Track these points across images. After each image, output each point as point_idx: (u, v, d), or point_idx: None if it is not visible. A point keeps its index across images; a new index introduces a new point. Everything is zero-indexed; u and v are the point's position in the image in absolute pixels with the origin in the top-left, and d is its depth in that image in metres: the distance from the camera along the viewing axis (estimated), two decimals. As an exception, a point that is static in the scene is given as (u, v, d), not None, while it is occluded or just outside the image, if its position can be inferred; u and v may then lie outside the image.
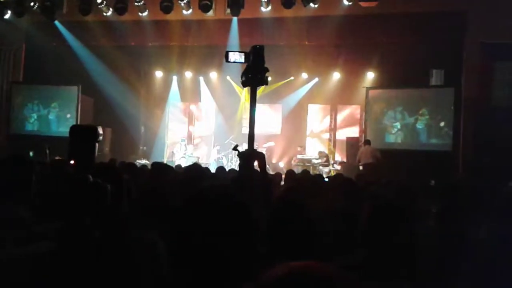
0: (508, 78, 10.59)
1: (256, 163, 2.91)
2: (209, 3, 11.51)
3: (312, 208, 2.71)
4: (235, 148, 2.99)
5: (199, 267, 1.40)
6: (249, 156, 2.76)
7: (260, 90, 13.61)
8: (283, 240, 1.86)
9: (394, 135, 12.62)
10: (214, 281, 1.37)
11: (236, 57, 2.76)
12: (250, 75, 2.71)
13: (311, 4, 11.07)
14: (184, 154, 14.68)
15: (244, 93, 15.38)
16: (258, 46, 2.73)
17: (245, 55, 2.76)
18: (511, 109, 10.33)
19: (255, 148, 3.11)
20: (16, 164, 2.47)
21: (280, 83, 15.15)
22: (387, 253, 1.82)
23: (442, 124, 11.97)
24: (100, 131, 2.65)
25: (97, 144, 2.63)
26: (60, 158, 7.05)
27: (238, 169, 2.98)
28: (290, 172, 6.16)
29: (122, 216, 2.55)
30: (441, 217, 2.85)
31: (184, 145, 15.01)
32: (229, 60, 2.77)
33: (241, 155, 2.77)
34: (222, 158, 14.57)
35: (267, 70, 2.74)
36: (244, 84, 2.78)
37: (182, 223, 1.49)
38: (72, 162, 2.58)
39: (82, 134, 2.58)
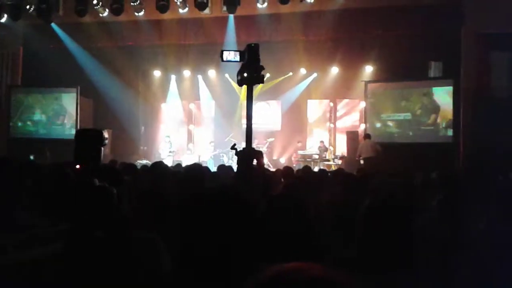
0: (507, 68, 10.56)
1: (255, 161, 2.89)
2: (205, 1, 11.50)
3: (313, 204, 2.72)
4: (233, 147, 2.97)
5: (200, 266, 1.40)
6: (247, 154, 2.75)
7: (259, 88, 13.60)
8: (280, 239, 1.87)
9: (394, 128, 12.61)
10: (215, 280, 1.38)
11: (231, 56, 2.72)
12: (245, 74, 2.69)
13: (307, -1, 11.07)
14: (170, 152, 14.41)
15: (242, 91, 15.33)
16: (253, 45, 2.70)
17: (240, 54, 2.73)
18: (511, 100, 10.32)
19: (255, 145, 3.10)
20: (1, 167, 2.44)
21: (278, 80, 15.12)
22: (385, 246, 1.82)
23: (442, 116, 11.96)
24: (106, 135, 2.65)
25: (102, 148, 2.64)
26: (51, 161, 7.00)
27: (236, 168, 2.97)
28: (287, 169, 6.12)
29: (123, 217, 2.56)
30: (442, 209, 2.85)
31: (169, 142, 14.84)
32: (224, 59, 2.74)
33: (239, 154, 2.75)
34: (222, 156, 14.54)
35: (262, 68, 2.71)
36: (240, 83, 2.76)
37: (186, 224, 1.49)
38: (78, 166, 2.59)
39: (88, 138, 2.59)
